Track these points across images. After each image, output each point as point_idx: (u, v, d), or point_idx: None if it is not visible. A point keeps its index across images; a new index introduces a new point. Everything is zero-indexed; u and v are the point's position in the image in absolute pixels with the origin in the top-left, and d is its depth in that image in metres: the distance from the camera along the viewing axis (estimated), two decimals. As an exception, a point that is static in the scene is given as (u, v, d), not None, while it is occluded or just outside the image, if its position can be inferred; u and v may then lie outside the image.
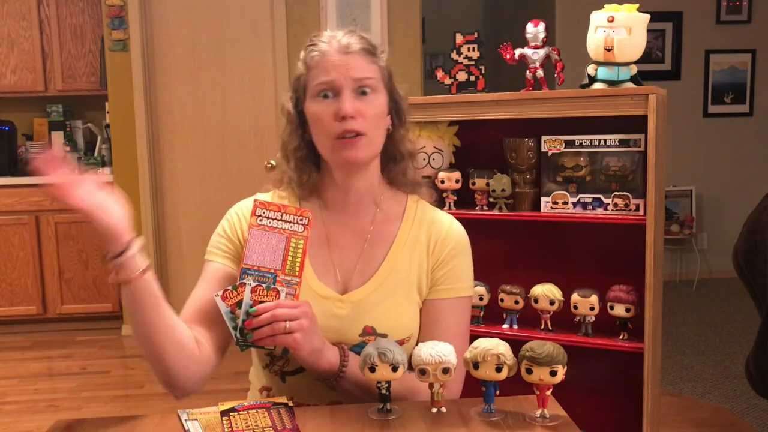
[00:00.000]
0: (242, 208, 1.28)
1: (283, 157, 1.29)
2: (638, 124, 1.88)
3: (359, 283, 1.24)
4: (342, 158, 1.20)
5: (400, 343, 1.16)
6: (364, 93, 1.20)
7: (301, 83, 1.24)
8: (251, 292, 1.09)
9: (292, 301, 1.10)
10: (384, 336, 1.20)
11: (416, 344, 1.21)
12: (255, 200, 1.14)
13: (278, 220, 1.12)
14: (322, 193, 1.29)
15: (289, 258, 1.11)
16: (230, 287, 1.09)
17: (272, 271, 1.11)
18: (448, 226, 1.30)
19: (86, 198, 1.03)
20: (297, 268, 1.12)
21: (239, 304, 1.08)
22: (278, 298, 1.09)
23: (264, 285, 1.10)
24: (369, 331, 1.20)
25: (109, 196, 1.06)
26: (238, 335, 1.08)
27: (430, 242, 1.27)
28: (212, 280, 1.22)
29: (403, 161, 1.30)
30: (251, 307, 1.07)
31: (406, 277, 1.25)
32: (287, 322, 1.06)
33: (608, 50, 1.90)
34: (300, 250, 1.12)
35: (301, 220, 1.13)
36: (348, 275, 1.25)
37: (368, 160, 1.23)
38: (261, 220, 1.12)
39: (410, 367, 1.07)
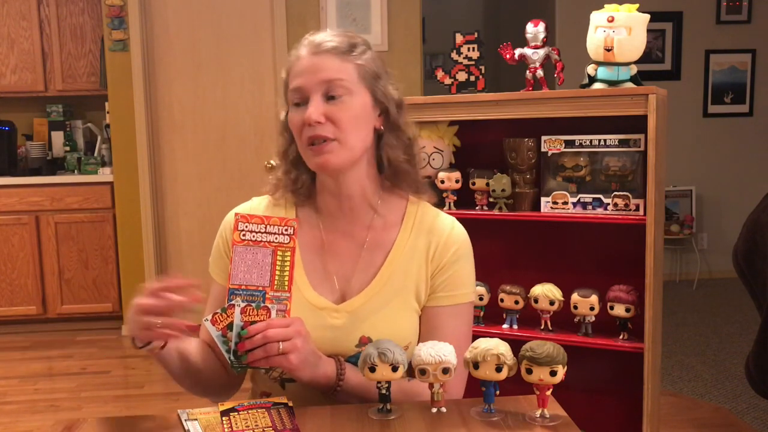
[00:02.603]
0: (232, 218, 1.23)
1: (279, 161, 1.29)
2: (638, 124, 1.88)
3: (356, 291, 1.22)
4: (313, 164, 1.19)
5: None
6: (333, 97, 1.15)
7: (284, 88, 1.22)
8: (241, 313, 1.05)
9: (283, 320, 1.06)
10: None
11: None
12: (236, 214, 1.09)
13: (262, 232, 1.07)
14: (317, 199, 1.27)
15: (277, 272, 1.07)
16: (219, 310, 1.06)
17: (261, 288, 1.06)
18: (449, 230, 1.26)
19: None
20: (286, 283, 1.07)
21: (230, 326, 1.05)
22: (269, 317, 1.06)
23: (253, 304, 1.06)
24: (365, 342, 1.18)
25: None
26: (232, 358, 1.06)
27: (430, 249, 1.24)
28: (215, 303, 1.23)
29: (398, 166, 1.24)
30: (242, 329, 1.04)
31: (404, 285, 1.22)
32: (280, 343, 1.04)
33: (608, 50, 1.90)
34: (287, 263, 1.07)
35: (286, 230, 1.07)
36: (346, 284, 1.23)
37: (342, 165, 1.18)
38: (244, 235, 1.07)
39: (410, 372, 1.06)
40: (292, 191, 1.27)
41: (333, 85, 1.15)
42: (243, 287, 1.06)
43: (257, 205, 1.31)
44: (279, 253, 1.08)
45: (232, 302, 1.06)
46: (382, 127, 1.23)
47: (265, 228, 1.08)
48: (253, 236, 1.07)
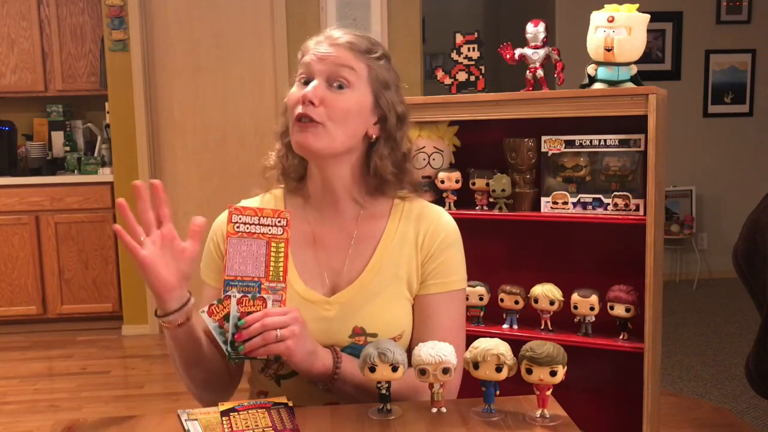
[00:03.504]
0: (222, 219, 1.26)
1: (277, 143, 1.29)
2: (638, 124, 1.88)
3: (346, 283, 1.22)
4: (294, 141, 1.19)
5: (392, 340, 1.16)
6: (340, 87, 1.16)
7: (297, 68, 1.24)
8: (237, 304, 1.06)
9: (280, 308, 1.07)
10: (374, 335, 1.18)
11: (410, 341, 1.22)
12: (229, 207, 1.10)
13: (256, 224, 1.08)
14: (307, 187, 1.28)
15: (272, 263, 1.08)
16: (215, 302, 1.06)
17: (256, 279, 1.07)
18: (437, 218, 1.26)
19: (148, 250, 1.09)
20: (281, 273, 1.08)
21: (227, 317, 1.05)
22: (265, 307, 1.06)
23: (249, 295, 1.06)
24: (358, 332, 1.19)
25: (167, 254, 1.10)
26: (229, 349, 1.06)
27: (419, 237, 1.25)
28: None
29: (384, 176, 1.23)
30: (239, 319, 1.05)
31: (395, 274, 1.22)
32: (278, 330, 1.04)
33: (608, 50, 1.90)
34: (282, 254, 1.08)
35: (279, 222, 1.08)
36: (337, 276, 1.24)
37: (320, 151, 1.17)
38: (238, 227, 1.07)
39: (411, 365, 1.07)
40: (283, 173, 1.28)
41: (340, 71, 1.17)
42: (238, 278, 1.07)
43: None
44: (273, 244, 1.08)
45: (228, 293, 1.06)
46: (374, 135, 1.22)
47: (259, 220, 1.08)
48: (247, 228, 1.08)
